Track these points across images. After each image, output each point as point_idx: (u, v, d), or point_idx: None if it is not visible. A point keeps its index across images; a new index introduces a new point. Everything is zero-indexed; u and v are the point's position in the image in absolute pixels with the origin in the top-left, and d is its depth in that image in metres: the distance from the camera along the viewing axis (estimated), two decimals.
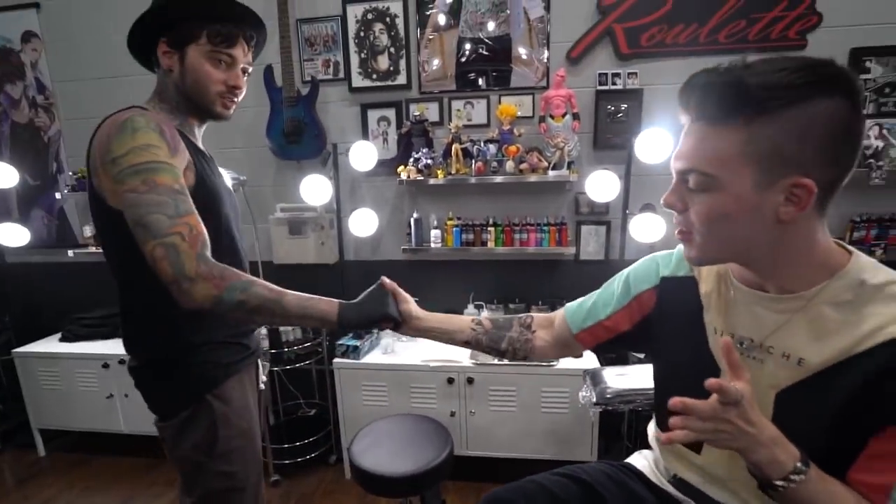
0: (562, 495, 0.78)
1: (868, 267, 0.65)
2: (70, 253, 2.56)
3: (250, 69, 1.02)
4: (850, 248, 0.68)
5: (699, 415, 0.58)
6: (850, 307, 0.63)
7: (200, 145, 1.01)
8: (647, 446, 0.93)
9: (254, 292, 0.80)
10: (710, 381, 0.58)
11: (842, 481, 0.62)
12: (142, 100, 0.97)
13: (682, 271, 0.81)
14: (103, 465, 2.40)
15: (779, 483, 0.59)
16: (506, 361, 1.13)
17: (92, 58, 2.47)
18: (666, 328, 0.80)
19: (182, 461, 0.98)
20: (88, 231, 2.59)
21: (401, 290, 0.96)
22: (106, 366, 2.26)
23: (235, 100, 1.00)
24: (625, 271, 0.90)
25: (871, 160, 1.93)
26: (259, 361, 1.16)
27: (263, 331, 1.39)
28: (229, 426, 0.98)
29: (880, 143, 1.92)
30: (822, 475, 0.61)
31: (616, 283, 0.89)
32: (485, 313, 0.90)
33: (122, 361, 2.23)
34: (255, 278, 0.83)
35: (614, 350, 0.89)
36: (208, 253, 0.80)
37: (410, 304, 0.95)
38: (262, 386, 1.18)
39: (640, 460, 0.91)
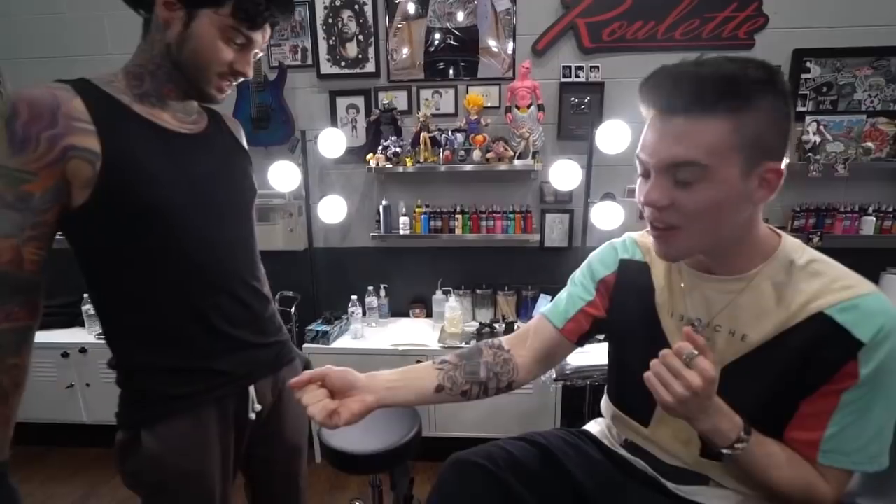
0: (522, 458, 0.83)
1: (795, 248, 0.72)
2: None
3: (260, 54, 0.88)
4: (778, 230, 0.75)
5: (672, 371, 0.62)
6: (784, 286, 0.69)
7: (170, 124, 0.82)
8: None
9: None
10: (680, 348, 0.63)
11: (779, 440, 0.70)
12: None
13: (637, 256, 0.86)
14: (65, 457, 2.35)
15: (725, 451, 0.66)
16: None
17: (39, 35, 2.36)
18: (623, 309, 0.85)
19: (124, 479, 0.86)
20: None
21: (329, 373, 0.73)
22: (66, 355, 2.20)
23: (235, 83, 0.85)
24: (585, 262, 0.93)
25: (810, 154, 2.09)
26: (251, 388, 0.92)
27: (275, 337, 0.98)
28: (163, 469, 0.82)
29: (818, 139, 2.07)
30: (761, 440, 0.68)
31: (581, 274, 0.92)
32: (446, 356, 0.87)
33: (82, 350, 2.18)
34: (18, 361, 0.72)
35: (591, 339, 0.93)
36: None
37: (345, 376, 0.74)
38: (251, 415, 0.92)
39: (595, 427, 0.98)
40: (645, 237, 0.87)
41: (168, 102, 0.83)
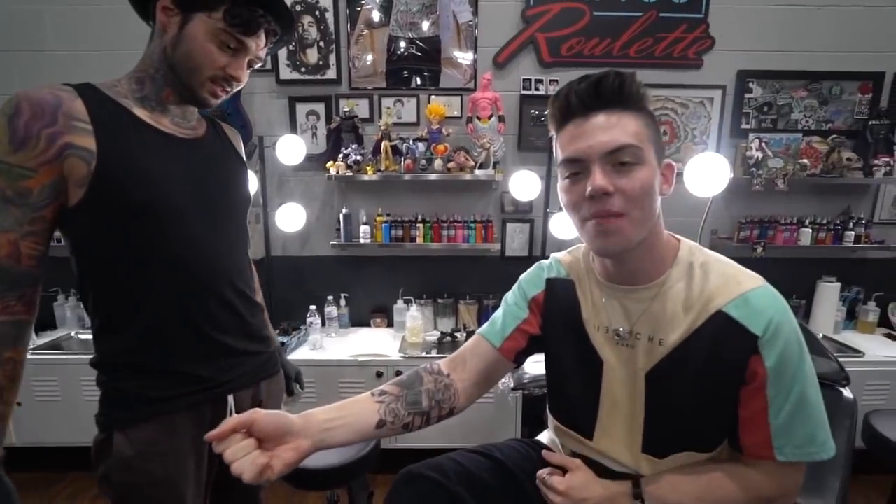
0: (475, 470, 0.83)
1: (693, 251, 0.77)
2: None
3: (259, 63, 0.88)
4: (677, 236, 0.79)
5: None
6: (688, 288, 0.73)
7: (168, 128, 0.84)
8: None
9: None
10: (540, 476, 0.80)
11: (733, 445, 0.74)
12: (65, 77, 0.80)
13: (563, 274, 0.88)
14: None
15: None
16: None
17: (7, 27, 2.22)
18: (555, 325, 0.87)
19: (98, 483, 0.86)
20: None
21: (257, 416, 0.66)
22: None
23: (228, 89, 0.86)
24: (516, 283, 0.95)
25: (753, 169, 2.21)
26: (230, 397, 0.90)
27: (261, 347, 0.97)
28: (132, 473, 0.82)
29: (760, 155, 2.20)
30: (663, 485, 0.74)
31: (513, 294, 0.94)
32: (385, 387, 0.83)
33: None
34: (14, 355, 0.74)
35: (527, 356, 0.94)
36: None
37: (277, 421, 0.67)
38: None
39: (546, 436, 1.00)
40: (568, 256, 0.90)
41: (168, 107, 0.85)
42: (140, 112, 0.81)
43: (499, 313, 0.93)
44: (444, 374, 0.87)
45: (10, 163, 0.70)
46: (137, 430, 0.82)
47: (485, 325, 0.93)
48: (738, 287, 0.70)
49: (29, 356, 2.14)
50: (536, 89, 2.27)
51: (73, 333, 2.35)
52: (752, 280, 0.72)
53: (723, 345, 0.69)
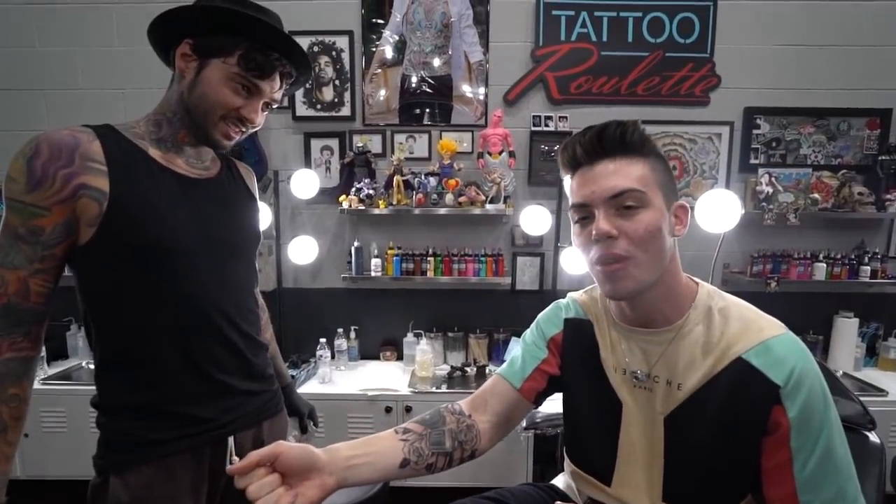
0: None
1: (712, 294, 0.76)
2: None
3: (275, 105, 0.89)
4: (695, 279, 0.79)
5: None
6: (707, 332, 0.72)
7: (182, 169, 0.85)
8: None
9: None
10: None
11: (757, 497, 0.70)
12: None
13: (581, 314, 0.88)
14: None
15: None
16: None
17: (9, 67, 2.32)
18: (573, 366, 0.86)
19: None
20: None
21: (281, 450, 0.63)
22: None
23: (243, 129, 0.86)
24: (534, 322, 0.94)
25: (764, 204, 2.21)
26: (230, 440, 0.88)
27: (263, 386, 0.96)
28: None
29: (770, 189, 2.20)
30: None
31: (531, 334, 0.93)
32: (409, 424, 0.82)
33: None
34: (19, 391, 0.74)
35: (546, 398, 0.91)
36: (5, 321, 0.72)
37: (303, 456, 0.65)
38: (228, 467, 0.84)
39: (562, 480, 0.97)
40: (584, 296, 0.90)
41: (183, 148, 0.86)
42: (155, 153, 0.83)
43: (518, 353, 0.92)
44: (466, 414, 0.85)
45: (25, 202, 0.72)
46: (134, 474, 0.80)
47: (504, 366, 0.92)
48: (759, 334, 0.69)
49: (38, 386, 2.14)
50: (546, 125, 2.31)
51: (83, 363, 2.36)
52: (773, 327, 0.70)
53: (743, 393, 0.68)
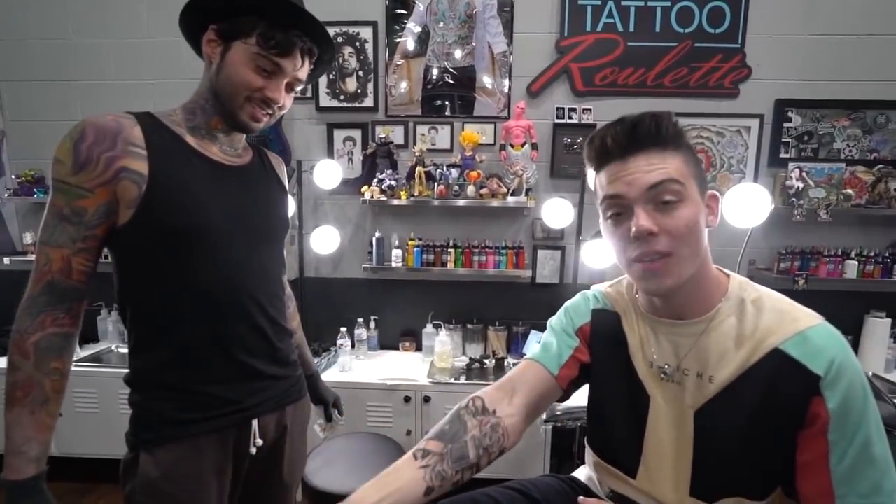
0: None
1: (743, 286, 0.75)
2: (6, 261, 2.42)
3: (299, 86, 0.90)
4: (727, 271, 0.78)
5: None
6: (739, 324, 0.71)
7: (216, 155, 0.88)
8: None
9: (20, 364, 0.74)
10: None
11: (786, 490, 0.69)
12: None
13: (608, 306, 0.87)
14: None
15: None
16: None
17: (43, 59, 2.39)
18: (601, 358, 0.85)
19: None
20: (29, 238, 2.46)
21: None
22: None
23: (270, 112, 0.88)
24: (561, 309, 0.92)
25: (794, 199, 2.15)
26: (255, 421, 0.91)
27: (288, 371, 0.98)
28: (155, 495, 0.82)
29: (801, 185, 2.14)
30: None
31: (559, 321, 0.91)
32: (427, 444, 0.76)
33: None
34: (60, 366, 0.77)
35: (577, 388, 0.90)
36: (49, 297, 0.75)
37: None
38: (252, 449, 0.91)
39: (583, 473, 0.96)
40: (610, 289, 0.89)
41: (216, 135, 0.89)
42: (191, 140, 0.86)
43: (551, 338, 0.89)
44: (490, 410, 0.80)
45: (71, 183, 0.75)
46: (163, 451, 0.82)
47: (537, 351, 0.88)
48: (794, 324, 0.68)
49: (71, 368, 2.21)
50: (570, 118, 2.29)
51: (113, 347, 2.44)
52: (809, 318, 0.69)
53: (780, 385, 0.67)
